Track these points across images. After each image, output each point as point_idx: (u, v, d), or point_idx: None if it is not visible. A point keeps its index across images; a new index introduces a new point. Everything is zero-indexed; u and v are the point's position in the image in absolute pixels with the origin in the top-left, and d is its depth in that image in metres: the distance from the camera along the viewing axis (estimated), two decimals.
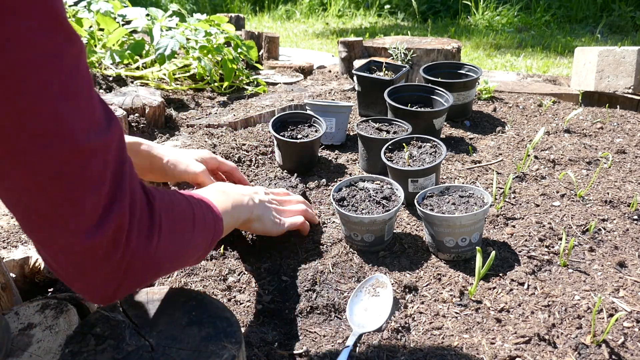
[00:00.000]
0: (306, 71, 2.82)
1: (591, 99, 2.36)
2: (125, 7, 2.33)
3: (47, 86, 0.50)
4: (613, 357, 0.89)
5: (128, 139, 1.11)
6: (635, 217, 1.31)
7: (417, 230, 1.29)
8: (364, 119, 1.71)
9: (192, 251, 0.80)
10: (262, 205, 1.11)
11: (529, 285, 1.07)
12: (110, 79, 2.19)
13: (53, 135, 0.52)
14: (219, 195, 0.97)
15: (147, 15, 2.28)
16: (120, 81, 2.21)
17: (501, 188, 1.47)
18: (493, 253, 1.02)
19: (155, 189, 0.72)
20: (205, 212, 0.84)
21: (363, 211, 1.18)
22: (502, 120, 2.04)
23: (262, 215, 1.10)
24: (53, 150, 0.52)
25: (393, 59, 2.50)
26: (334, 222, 1.31)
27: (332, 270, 1.13)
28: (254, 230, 1.12)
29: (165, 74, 2.30)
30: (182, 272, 1.14)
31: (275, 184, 1.41)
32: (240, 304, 1.05)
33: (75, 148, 0.54)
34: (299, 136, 1.61)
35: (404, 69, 2.01)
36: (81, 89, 0.54)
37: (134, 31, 2.53)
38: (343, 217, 1.17)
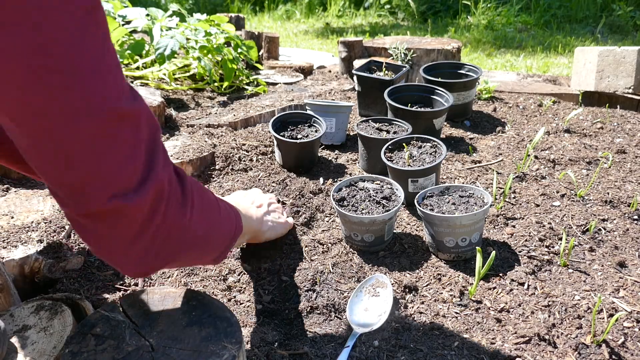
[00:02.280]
0: (306, 71, 2.82)
1: (591, 99, 2.36)
2: (125, 7, 2.33)
3: (87, 52, 0.52)
4: (613, 357, 0.89)
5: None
6: (636, 217, 1.31)
7: (417, 230, 1.29)
8: (364, 119, 1.71)
9: (218, 237, 0.81)
10: (266, 215, 1.17)
11: (529, 285, 1.07)
12: None
13: (90, 102, 0.53)
14: (233, 202, 1.00)
15: (147, 15, 2.28)
16: None
17: (501, 188, 1.47)
18: (493, 253, 1.02)
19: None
20: (227, 206, 0.86)
21: (363, 211, 1.18)
22: (502, 120, 2.04)
23: (271, 222, 1.16)
24: (91, 116, 0.54)
25: (393, 59, 2.50)
26: (334, 221, 1.31)
27: (332, 270, 1.13)
28: (268, 238, 1.16)
29: (165, 74, 2.30)
30: (182, 272, 1.14)
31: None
32: (240, 304, 1.05)
33: (112, 114, 0.55)
34: (299, 136, 1.61)
35: (404, 69, 2.01)
36: (112, 57, 0.56)
37: (134, 31, 2.53)
38: (343, 217, 1.17)
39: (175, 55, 2.24)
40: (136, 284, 1.11)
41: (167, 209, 0.64)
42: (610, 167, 1.61)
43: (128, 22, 2.31)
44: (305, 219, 1.31)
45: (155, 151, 0.62)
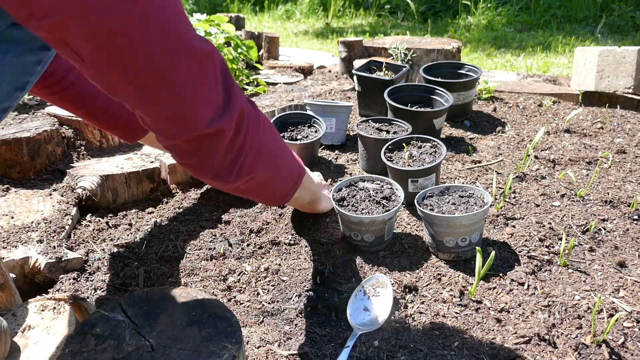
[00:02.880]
0: (306, 71, 2.82)
1: (591, 99, 2.36)
2: None
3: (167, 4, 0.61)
4: (613, 357, 0.89)
5: None
6: (636, 217, 1.31)
7: (417, 230, 1.29)
8: (364, 119, 1.71)
9: (285, 165, 0.94)
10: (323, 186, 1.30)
11: (529, 285, 1.07)
12: None
13: (175, 43, 0.62)
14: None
15: None
16: None
17: (501, 188, 1.47)
18: (493, 253, 1.02)
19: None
20: (290, 150, 0.99)
21: (363, 211, 1.18)
22: (502, 120, 2.04)
23: (325, 194, 1.27)
24: (185, 55, 0.64)
25: (393, 59, 2.50)
26: (334, 221, 1.31)
27: (332, 270, 1.13)
28: (322, 208, 1.26)
29: None
30: (182, 272, 1.14)
31: None
32: (240, 304, 1.05)
33: (198, 51, 0.65)
34: (299, 137, 1.61)
35: (404, 69, 2.01)
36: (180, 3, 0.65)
37: None
38: (343, 217, 1.17)
39: None
40: (136, 284, 1.11)
41: (248, 125, 0.77)
42: (610, 167, 1.61)
43: None
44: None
45: (230, 81, 0.74)
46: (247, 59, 2.55)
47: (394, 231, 1.26)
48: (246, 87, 2.40)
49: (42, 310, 0.89)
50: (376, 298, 1.03)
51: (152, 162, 1.52)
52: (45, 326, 0.86)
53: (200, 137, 0.71)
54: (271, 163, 0.88)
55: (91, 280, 1.11)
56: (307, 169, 1.12)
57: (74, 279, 1.11)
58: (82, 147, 1.63)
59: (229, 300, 1.06)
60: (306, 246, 1.21)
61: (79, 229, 1.31)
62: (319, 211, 1.27)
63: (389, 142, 1.46)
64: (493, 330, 0.96)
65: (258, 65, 2.74)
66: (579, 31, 4.85)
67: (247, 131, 0.77)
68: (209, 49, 0.68)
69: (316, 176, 1.30)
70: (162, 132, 0.72)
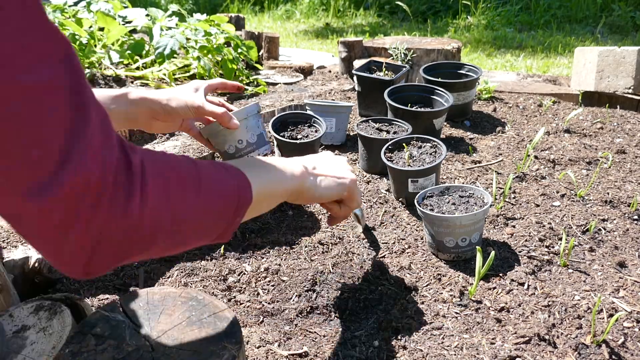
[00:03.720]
0: (306, 71, 2.82)
1: (591, 99, 2.36)
2: (125, 7, 2.33)
3: None
4: (613, 357, 0.89)
5: (113, 91, 1.04)
6: (635, 217, 1.31)
7: (417, 230, 1.29)
8: (364, 119, 1.71)
9: (203, 222, 0.67)
10: (319, 176, 0.92)
11: (529, 285, 1.07)
12: (110, 79, 2.19)
13: None
14: (257, 163, 0.83)
15: (147, 15, 2.28)
16: (120, 81, 2.21)
17: (501, 188, 1.47)
18: (493, 253, 1.02)
19: (140, 148, 0.61)
20: (222, 176, 0.71)
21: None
22: (502, 120, 2.04)
23: (324, 181, 0.92)
24: None
25: (393, 59, 2.50)
26: None
27: (332, 270, 1.13)
28: (322, 198, 0.92)
29: (165, 74, 2.30)
30: (182, 272, 1.14)
31: None
32: (240, 304, 1.05)
33: (11, 87, 0.45)
34: (299, 136, 1.61)
35: (404, 69, 2.01)
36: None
37: (134, 31, 2.54)
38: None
39: (175, 55, 2.24)
40: (136, 284, 1.11)
41: (98, 206, 0.52)
42: (610, 167, 1.61)
43: (128, 22, 2.31)
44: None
45: (83, 130, 0.50)
46: (247, 59, 2.55)
47: (394, 231, 1.26)
48: (246, 87, 2.40)
49: (39, 310, 0.89)
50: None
51: None
52: (42, 326, 0.86)
53: (16, 215, 0.50)
54: (171, 235, 0.62)
55: (91, 281, 1.11)
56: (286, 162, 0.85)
57: (74, 279, 1.11)
58: None
59: (229, 300, 1.06)
60: (306, 246, 1.21)
61: None
62: (323, 200, 0.94)
63: (389, 142, 1.46)
64: (493, 330, 0.96)
65: (258, 66, 2.74)
66: (579, 31, 4.85)
67: (97, 210, 0.52)
68: (47, 81, 0.47)
69: (311, 160, 0.94)
70: None
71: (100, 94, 1.04)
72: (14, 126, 0.46)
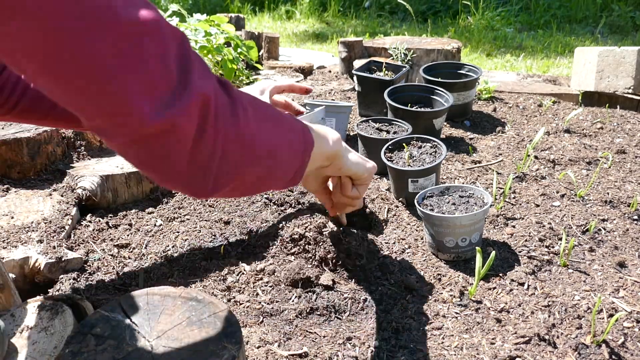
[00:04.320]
0: (306, 71, 2.82)
1: (591, 99, 2.36)
2: None
3: None
4: (613, 357, 0.89)
5: None
6: (635, 217, 1.31)
7: (417, 230, 1.29)
8: (364, 119, 1.71)
9: (284, 150, 0.74)
10: (347, 150, 0.97)
11: (529, 286, 1.07)
12: None
13: (92, 16, 0.49)
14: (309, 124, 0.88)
15: None
16: None
17: (501, 188, 1.47)
18: (493, 253, 1.02)
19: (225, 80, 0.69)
20: (290, 117, 0.78)
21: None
22: (502, 120, 2.04)
23: (354, 156, 0.97)
24: (104, 35, 0.50)
25: (393, 59, 2.50)
26: None
27: (332, 270, 1.13)
28: (350, 172, 0.97)
29: None
30: (182, 272, 1.14)
31: None
32: (240, 304, 1.05)
33: (121, 28, 0.51)
34: None
35: (404, 69, 2.01)
36: None
37: None
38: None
39: None
40: (136, 284, 1.11)
41: (217, 119, 0.59)
42: (610, 167, 1.61)
43: None
44: None
45: (189, 64, 0.57)
46: (247, 59, 2.55)
47: (394, 231, 1.26)
48: (246, 87, 2.40)
49: (41, 310, 0.89)
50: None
51: None
52: (44, 326, 0.86)
53: (146, 136, 0.56)
54: (265, 157, 0.70)
55: (91, 281, 1.11)
56: (317, 128, 0.88)
57: (73, 279, 1.11)
58: (82, 147, 1.63)
59: (229, 300, 1.06)
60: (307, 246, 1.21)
61: (79, 229, 1.31)
62: (349, 174, 0.98)
63: (389, 142, 1.46)
64: (493, 330, 0.96)
65: (258, 66, 2.74)
66: (579, 31, 4.85)
67: (217, 126, 0.59)
68: (151, 19, 0.53)
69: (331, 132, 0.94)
70: (100, 131, 0.57)
71: None
72: (139, 63, 0.52)
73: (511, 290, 1.06)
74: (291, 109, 1.22)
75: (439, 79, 1.95)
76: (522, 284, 1.07)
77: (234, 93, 0.64)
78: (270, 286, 1.10)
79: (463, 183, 1.51)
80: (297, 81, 2.57)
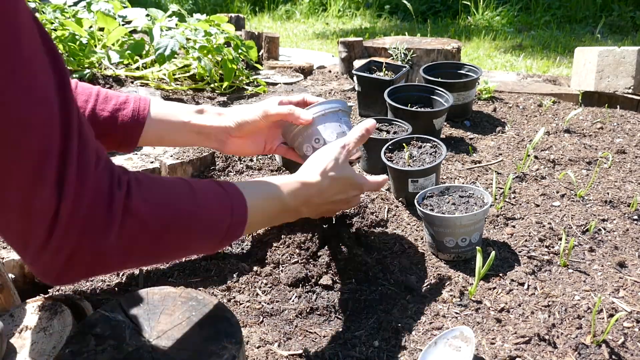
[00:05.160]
0: (306, 71, 2.82)
1: (591, 99, 2.36)
2: (125, 7, 2.33)
3: None
4: (613, 357, 0.89)
5: (192, 107, 1.02)
6: (635, 217, 1.31)
7: (417, 230, 1.29)
8: (364, 119, 1.71)
9: (181, 252, 0.77)
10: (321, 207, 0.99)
11: (529, 286, 1.07)
12: (110, 79, 2.19)
13: None
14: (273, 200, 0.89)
15: (147, 15, 2.28)
16: (120, 81, 2.21)
17: (501, 188, 1.47)
18: (493, 253, 1.02)
19: (143, 174, 0.68)
20: (220, 215, 0.76)
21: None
22: (502, 120, 2.04)
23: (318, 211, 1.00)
24: None
25: (393, 59, 2.50)
26: None
27: (333, 270, 1.13)
28: (321, 214, 1.02)
29: (165, 74, 2.30)
30: (182, 272, 1.14)
31: None
32: (240, 304, 1.05)
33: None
34: None
35: (404, 69, 2.01)
36: None
37: (134, 31, 2.53)
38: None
39: (175, 56, 2.24)
40: (136, 284, 1.11)
41: (67, 234, 0.58)
42: (610, 167, 1.61)
43: (128, 22, 2.31)
44: None
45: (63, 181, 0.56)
46: (247, 59, 2.55)
47: (395, 231, 1.26)
48: (246, 87, 2.40)
49: (40, 310, 0.89)
50: (456, 353, 0.89)
51: (152, 162, 1.52)
52: (43, 326, 0.86)
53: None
54: (152, 258, 0.73)
55: (91, 280, 1.11)
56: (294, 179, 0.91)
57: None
58: None
59: (229, 300, 1.06)
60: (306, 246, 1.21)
61: None
62: (328, 215, 1.04)
63: (389, 142, 1.46)
64: (493, 330, 0.96)
65: (258, 66, 2.74)
66: (578, 31, 4.85)
67: (62, 241, 0.58)
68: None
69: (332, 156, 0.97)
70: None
71: (178, 109, 1.02)
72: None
73: (511, 290, 1.06)
74: (301, 104, 1.18)
75: (439, 79, 1.95)
76: (522, 284, 1.07)
77: (115, 200, 0.61)
78: (270, 286, 1.10)
79: (463, 183, 1.51)
80: (297, 81, 2.57)
